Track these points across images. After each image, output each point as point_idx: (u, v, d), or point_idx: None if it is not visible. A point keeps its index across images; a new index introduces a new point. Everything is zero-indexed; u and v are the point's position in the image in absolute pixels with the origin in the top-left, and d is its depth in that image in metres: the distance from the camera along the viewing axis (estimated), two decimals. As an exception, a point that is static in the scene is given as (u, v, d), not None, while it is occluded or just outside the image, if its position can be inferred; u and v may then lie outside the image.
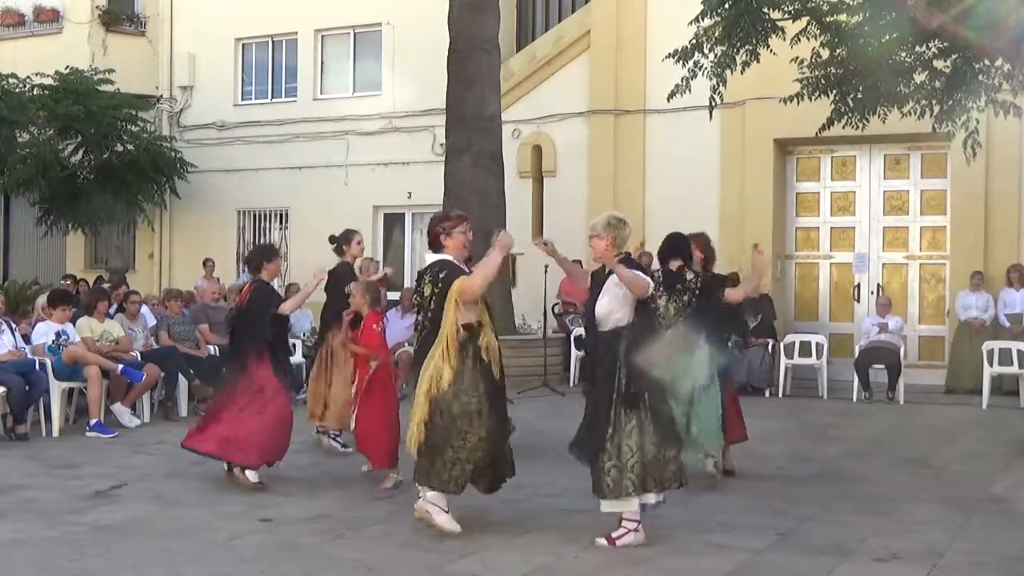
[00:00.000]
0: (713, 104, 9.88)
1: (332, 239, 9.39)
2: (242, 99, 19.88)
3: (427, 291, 6.30)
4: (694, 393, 7.58)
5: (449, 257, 6.37)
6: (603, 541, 6.09)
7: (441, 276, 6.25)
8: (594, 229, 6.40)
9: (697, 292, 7.66)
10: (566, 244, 17.04)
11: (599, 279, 6.56)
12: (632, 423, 6.08)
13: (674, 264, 7.72)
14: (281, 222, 19.36)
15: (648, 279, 6.34)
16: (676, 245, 7.81)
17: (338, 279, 8.90)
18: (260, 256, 8.33)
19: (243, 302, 8.08)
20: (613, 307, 6.25)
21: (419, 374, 6.28)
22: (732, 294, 8.00)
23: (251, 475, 7.60)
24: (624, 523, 6.12)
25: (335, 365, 8.93)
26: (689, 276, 7.71)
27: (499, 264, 6.29)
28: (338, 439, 9.11)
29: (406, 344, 12.88)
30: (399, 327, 13.18)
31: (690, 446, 7.37)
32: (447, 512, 6.23)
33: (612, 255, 6.24)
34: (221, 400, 7.99)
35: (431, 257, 6.48)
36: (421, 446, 6.17)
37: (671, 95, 9.82)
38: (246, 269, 8.40)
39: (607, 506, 6.14)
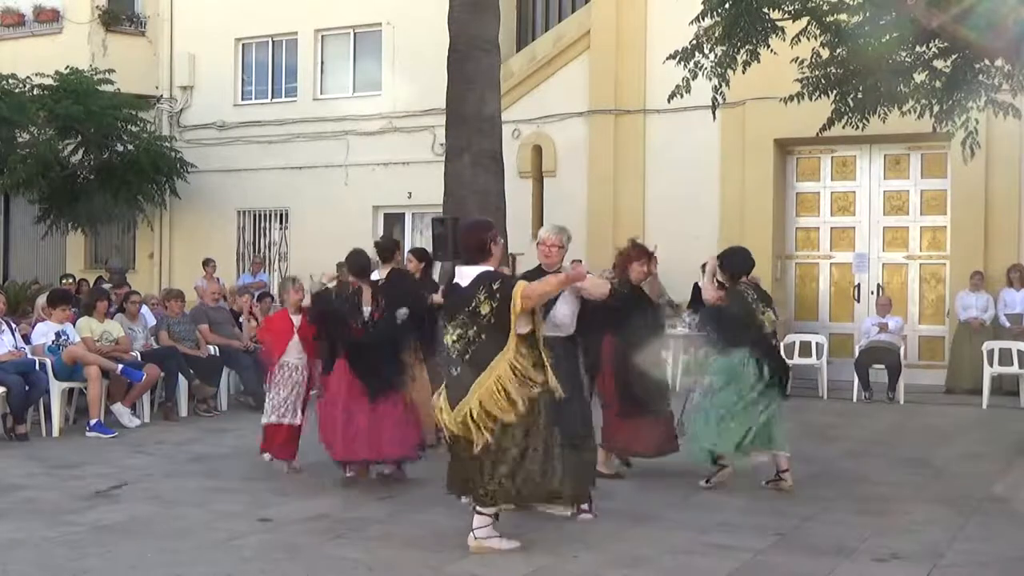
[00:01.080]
0: (716, 104, 9.88)
1: (379, 245, 8.86)
2: (242, 99, 19.86)
3: (485, 309, 5.86)
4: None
5: (491, 268, 6.07)
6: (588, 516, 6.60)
7: (496, 288, 5.90)
8: (560, 238, 6.97)
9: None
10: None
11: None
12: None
13: (745, 279, 7.81)
14: (281, 222, 19.34)
15: (605, 281, 6.87)
16: (748, 260, 7.86)
17: (396, 285, 8.65)
18: (365, 260, 8.16)
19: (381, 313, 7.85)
20: (569, 314, 6.75)
21: (458, 383, 5.95)
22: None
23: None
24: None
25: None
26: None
27: (558, 288, 6.21)
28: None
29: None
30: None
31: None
32: (498, 535, 6.00)
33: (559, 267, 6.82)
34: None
35: (474, 269, 6.05)
36: (480, 461, 5.89)
37: (671, 96, 9.81)
38: (349, 272, 8.07)
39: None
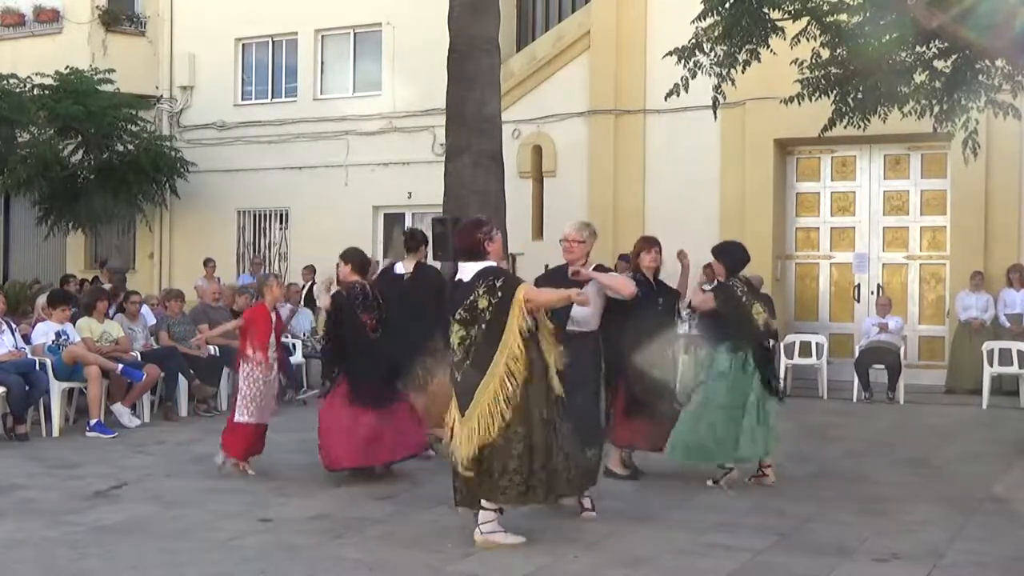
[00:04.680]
0: (717, 103, 9.88)
1: (408, 234, 9.26)
2: (242, 99, 19.85)
3: (483, 304, 5.92)
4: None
5: (495, 264, 6.14)
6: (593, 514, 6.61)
7: (499, 285, 5.96)
8: (580, 233, 6.80)
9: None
10: (566, 244, 16.89)
11: (555, 280, 6.80)
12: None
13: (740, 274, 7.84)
14: (281, 222, 19.34)
15: (631, 280, 6.66)
16: (743, 255, 7.88)
17: (420, 280, 8.74)
18: (366, 256, 8.32)
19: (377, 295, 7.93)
20: (592, 311, 6.64)
21: (465, 386, 5.99)
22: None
23: None
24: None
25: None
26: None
27: (558, 303, 6.14)
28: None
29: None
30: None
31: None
32: (503, 530, 6.05)
33: (583, 262, 6.73)
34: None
35: (475, 265, 6.10)
36: (478, 464, 5.93)
37: (669, 94, 9.81)
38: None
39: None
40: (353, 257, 8.09)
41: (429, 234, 10.72)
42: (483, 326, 5.92)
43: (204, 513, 6.89)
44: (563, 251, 6.99)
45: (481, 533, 6.01)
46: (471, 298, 5.97)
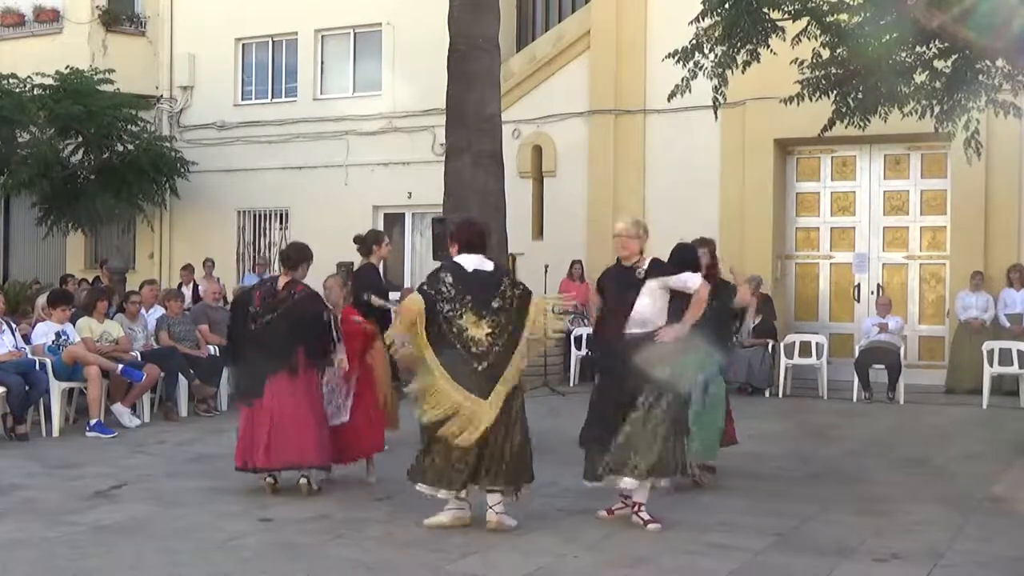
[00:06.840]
0: (717, 104, 9.88)
1: (358, 239, 9.11)
2: (242, 99, 19.86)
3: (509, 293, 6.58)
4: (698, 395, 7.59)
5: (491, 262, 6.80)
6: (656, 526, 6.50)
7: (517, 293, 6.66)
8: (633, 230, 6.81)
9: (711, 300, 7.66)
10: (566, 244, 17.01)
11: (618, 278, 6.83)
12: (656, 413, 6.54)
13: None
14: (281, 222, 19.35)
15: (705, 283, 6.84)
16: (684, 256, 7.77)
17: (362, 281, 8.78)
18: (294, 252, 8.11)
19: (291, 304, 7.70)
20: (655, 310, 6.67)
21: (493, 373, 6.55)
22: (743, 296, 8.06)
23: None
24: (641, 510, 6.59)
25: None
26: None
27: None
28: None
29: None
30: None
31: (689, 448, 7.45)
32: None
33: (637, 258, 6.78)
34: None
35: (480, 258, 6.64)
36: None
37: (671, 95, 9.82)
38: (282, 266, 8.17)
39: (631, 484, 6.58)
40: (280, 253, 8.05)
41: (430, 234, 10.74)
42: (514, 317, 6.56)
43: (204, 513, 6.89)
44: (617, 248, 6.92)
45: (496, 513, 6.38)
46: (501, 292, 6.54)
